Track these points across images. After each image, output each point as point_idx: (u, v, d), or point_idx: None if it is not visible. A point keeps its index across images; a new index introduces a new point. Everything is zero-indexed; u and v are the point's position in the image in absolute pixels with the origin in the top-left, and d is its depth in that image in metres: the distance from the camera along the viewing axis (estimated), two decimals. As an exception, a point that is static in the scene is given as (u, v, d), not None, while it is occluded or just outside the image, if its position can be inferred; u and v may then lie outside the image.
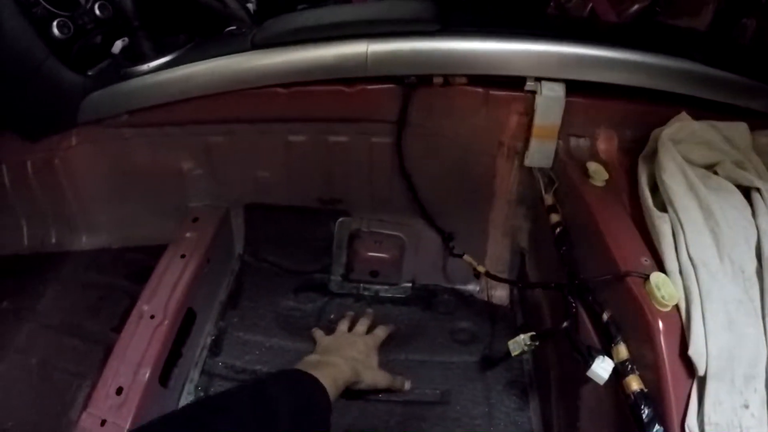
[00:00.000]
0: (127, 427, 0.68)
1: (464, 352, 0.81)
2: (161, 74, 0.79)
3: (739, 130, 0.71)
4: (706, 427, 0.50)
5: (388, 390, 0.76)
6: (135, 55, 0.85)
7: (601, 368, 0.57)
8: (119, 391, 0.71)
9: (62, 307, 0.91)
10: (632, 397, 0.54)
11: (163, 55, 0.83)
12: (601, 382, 0.57)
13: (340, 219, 0.93)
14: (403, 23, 0.71)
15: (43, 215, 0.97)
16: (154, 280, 0.80)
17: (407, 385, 0.78)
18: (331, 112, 0.80)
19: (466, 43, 0.69)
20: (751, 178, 0.65)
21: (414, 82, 0.75)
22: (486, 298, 0.89)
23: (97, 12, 0.90)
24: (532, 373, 0.79)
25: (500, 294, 0.88)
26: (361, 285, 0.94)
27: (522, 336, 0.68)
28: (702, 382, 0.52)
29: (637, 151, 0.72)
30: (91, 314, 0.89)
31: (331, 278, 0.94)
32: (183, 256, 0.82)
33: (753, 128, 0.71)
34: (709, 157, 0.68)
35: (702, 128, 0.69)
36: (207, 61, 0.77)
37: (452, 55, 0.70)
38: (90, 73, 0.88)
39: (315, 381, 0.63)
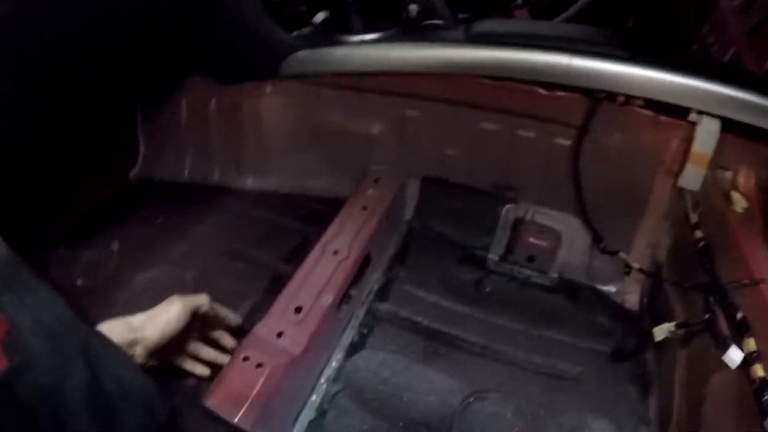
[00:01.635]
0: (305, 343, 0.97)
1: (598, 342, 1.09)
2: (374, 47, 1.12)
3: None
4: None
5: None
6: (343, 27, 1.20)
7: (735, 354, 0.85)
8: (298, 310, 1.01)
9: (226, 234, 1.22)
10: (757, 382, 0.79)
11: (371, 32, 1.18)
12: (734, 366, 0.85)
13: (508, 205, 1.26)
14: (603, 46, 1.04)
15: (212, 152, 1.30)
16: (337, 223, 1.12)
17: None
18: (526, 108, 1.12)
19: (651, 72, 0.99)
20: None
21: (601, 97, 1.07)
22: (620, 301, 1.19)
23: (306, -18, 1.27)
24: (654, 373, 1.06)
25: (633, 299, 1.18)
26: (515, 267, 1.25)
27: (667, 324, 0.98)
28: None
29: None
30: (258, 245, 1.20)
31: (489, 256, 1.26)
32: (365, 209, 1.14)
33: None
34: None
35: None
36: (420, 44, 1.10)
37: (638, 79, 1.00)
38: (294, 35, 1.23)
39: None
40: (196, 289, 0.99)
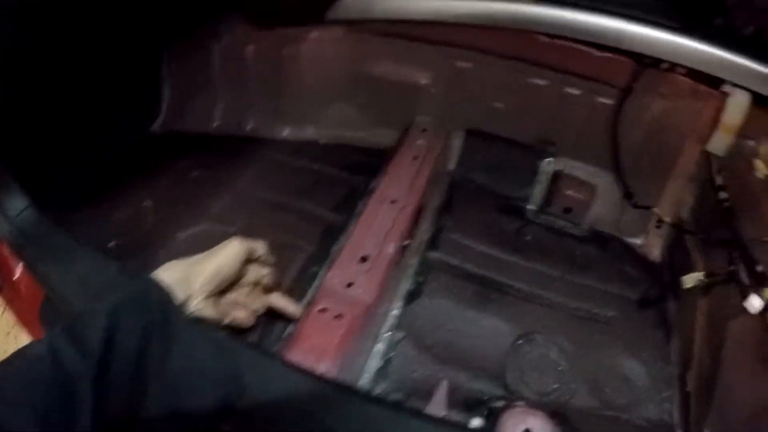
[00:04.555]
0: (376, 292, 1.09)
1: (626, 290, 1.32)
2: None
3: None
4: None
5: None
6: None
7: (755, 301, 1.09)
8: (364, 259, 1.13)
9: (269, 185, 1.29)
10: (774, 326, 1.06)
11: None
12: (754, 312, 1.09)
13: (547, 159, 1.45)
14: (655, 14, 1.20)
15: (246, 101, 1.35)
16: (390, 172, 1.23)
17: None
18: (575, 67, 1.30)
19: (696, 43, 1.19)
20: None
21: (648, 63, 1.24)
22: (644, 254, 1.42)
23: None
24: (675, 320, 1.29)
25: (655, 253, 1.42)
26: (552, 218, 1.46)
27: (696, 273, 1.20)
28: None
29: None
30: (304, 195, 1.30)
31: (528, 207, 1.47)
32: (416, 158, 1.26)
33: None
34: None
35: None
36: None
37: (685, 49, 1.19)
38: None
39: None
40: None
